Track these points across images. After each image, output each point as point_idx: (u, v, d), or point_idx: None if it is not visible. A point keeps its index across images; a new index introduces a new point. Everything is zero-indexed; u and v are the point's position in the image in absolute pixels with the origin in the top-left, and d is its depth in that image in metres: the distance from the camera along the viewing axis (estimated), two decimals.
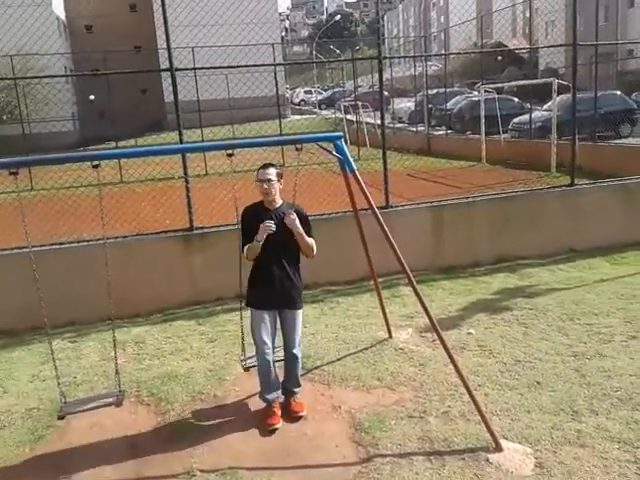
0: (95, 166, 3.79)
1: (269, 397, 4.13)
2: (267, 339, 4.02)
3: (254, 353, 4.17)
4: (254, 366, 4.20)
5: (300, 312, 4.20)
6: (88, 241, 6.45)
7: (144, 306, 6.38)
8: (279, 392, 4.19)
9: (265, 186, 4.01)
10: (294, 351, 4.11)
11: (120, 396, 3.96)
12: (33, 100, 22.53)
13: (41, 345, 5.63)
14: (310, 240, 4.11)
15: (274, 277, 4.06)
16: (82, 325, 6.13)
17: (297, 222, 4.00)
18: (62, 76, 20.56)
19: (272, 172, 4.03)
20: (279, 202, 4.14)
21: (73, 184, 11.22)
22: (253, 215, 4.06)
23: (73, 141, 30.21)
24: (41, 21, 18.29)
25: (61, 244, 6.44)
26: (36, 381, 5.04)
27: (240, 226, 4.14)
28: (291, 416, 4.10)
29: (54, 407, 4.30)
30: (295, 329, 4.12)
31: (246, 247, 4.06)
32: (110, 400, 3.95)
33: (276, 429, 3.99)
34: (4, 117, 25.70)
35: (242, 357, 4.39)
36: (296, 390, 4.23)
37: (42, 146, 18.77)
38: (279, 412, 4.10)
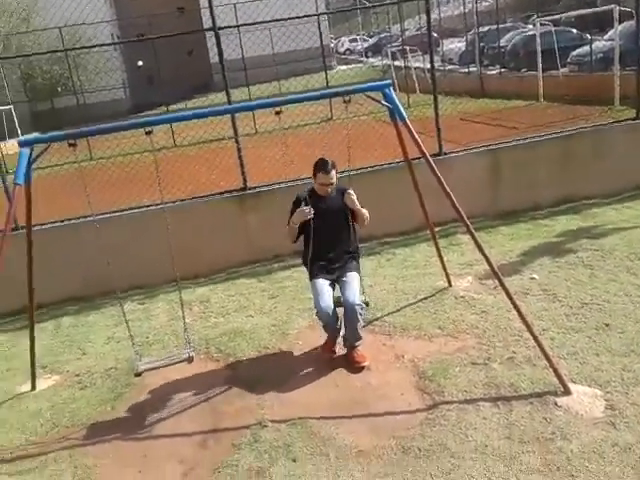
0: (148, 133, 3.87)
1: (330, 332, 4.33)
2: (329, 301, 4.15)
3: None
4: None
5: (358, 274, 4.35)
6: (148, 206, 6.63)
7: (206, 266, 6.56)
8: (340, 332, 4.33)
9: (329, 189, 4.26)
10: (353, 303, 4.10)
11: (191, 353, 4.13)
12: (84, 70, 23.00)
13: (113, 308, 5.92)
14: (365, 212, 4.32)
15: (333, 257, 4.31)
16: (149, 288, 6.39)
17: (356, 200, 4.21)
18: (109, 44, 20.72)
19: (334, 175, 4.24)
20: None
21: (129, 151, 11.47)
22: (308, 201, 4.25)
23: (125, 109, 30.76)
24: None
25: (122, 211, 6.65)
26: (112, 342, 5.33)
27: (291, 207, 4.32)
28: (355, 367, 4.18)
29: (130, 366, 4.53)
30: (352, 285, 4.20)
31: (286, 228, 4.30)
32: (182, 357, 4.13)
33: (332, 357, 4.30)
34: (59, 89, 26.37)
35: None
36: (357, 344, 4.27)
37: (97, 115, 19.23)
38: (336, 348, 4.36)
